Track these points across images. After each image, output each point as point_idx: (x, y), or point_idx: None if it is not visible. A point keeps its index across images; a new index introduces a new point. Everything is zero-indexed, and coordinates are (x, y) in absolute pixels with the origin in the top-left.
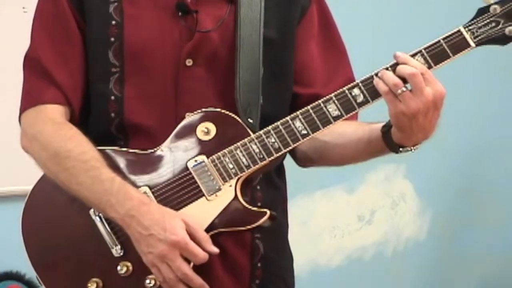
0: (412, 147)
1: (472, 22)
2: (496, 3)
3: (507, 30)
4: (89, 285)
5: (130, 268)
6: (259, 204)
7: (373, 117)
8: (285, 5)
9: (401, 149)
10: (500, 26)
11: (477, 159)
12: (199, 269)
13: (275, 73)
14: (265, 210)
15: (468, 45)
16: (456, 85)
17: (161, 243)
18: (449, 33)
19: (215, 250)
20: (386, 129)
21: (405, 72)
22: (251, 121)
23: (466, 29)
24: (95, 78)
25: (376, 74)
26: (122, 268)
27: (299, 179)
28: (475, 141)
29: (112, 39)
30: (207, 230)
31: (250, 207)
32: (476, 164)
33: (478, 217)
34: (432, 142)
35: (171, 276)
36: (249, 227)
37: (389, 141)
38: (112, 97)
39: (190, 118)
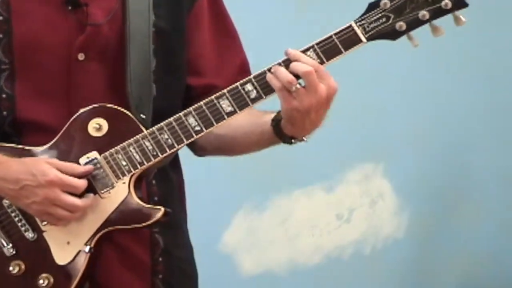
0: (303, 138)
1: (363, 17)
2: None
3: (397, 25)
4: None
5: (23, 267)
6: (156, 198)
7: None
8: None
9: (293, 140)
10: (390, 21)
11: (454, 158)
12: (98, 268)
13: (168, 65)
14: (159, 207)
15: (360, 41)
16: (433, 83)
17: (38, 188)
18: (341, 28)
19: (88, 167)
20: (275, 123)
21: (299, 70)
22: (143, 116)
23: (358, 24)
24: None
25: (269, 70)
26: (14, 268)
27: (278, 178)
28: (452, 139)
29: (1, 35)
30: (102, 227)
31: (144, 204)
32: (453, 162)
33: (456, 215)
34: (410, 142)
35: (64, 213)
36: (144, 224)
37: (280, 134)
38: (4, 95)
39: (80, 113)
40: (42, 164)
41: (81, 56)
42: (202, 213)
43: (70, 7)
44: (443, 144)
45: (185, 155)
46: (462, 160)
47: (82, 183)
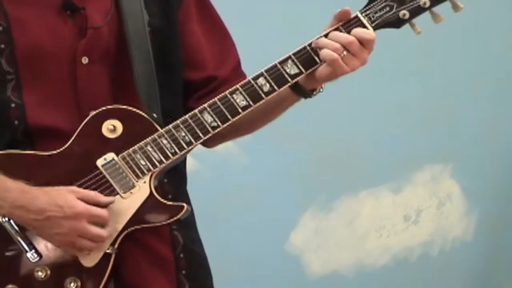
0: (322, 86)
1: (368, 7)
2: None
3: (400, 14)
4: None
5: (48, 272)
6: (170, 196)
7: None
8: None
9: (314, 92)
10: (394, 10)
11: None
12: (122, 267)
13: (165, 63)
14: (181, 204)
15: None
16: (505, 82)
17: (65, 220)
18: (347, 19)
19: (111, 198)
20: (294, 85)
21: (342, 41)
22: (155, 115)
23: (363, 14)
24: None
25: (280, 62)
26: (42, 273)
27: (345, 178)
28: None
29: (2, 45)
30: (126, 227)
31: (166, 202)
32: None
33: None
34: (479, 142)
35: (89, 244)
36: (168, 221)
37: (302, 92)
38: (13, 105)
39: (93, 116)
40: (67, 194)
41: (84, 60)
42: (270, 214)
43: (68, 12)
44: None
45: (252, 157)
46: None
47: (107, 213)
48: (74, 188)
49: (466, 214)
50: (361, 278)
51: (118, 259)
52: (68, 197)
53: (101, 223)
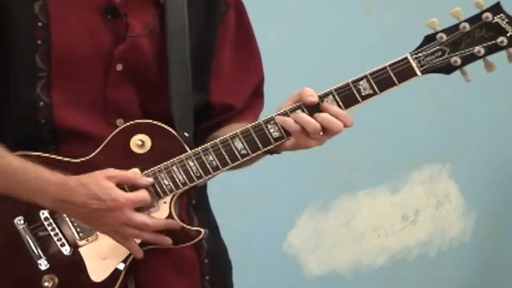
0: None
1: (419, 50)
2: (442, 31)
3: (452, 60)
4: None
5: (56, 280)
6: (193, 202)
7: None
8: (206, 12)
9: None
10: (446, 55)
11: None
12: (150, 275)
13: (200, 83)
14: (199, 229)
15: (415, 74)
16: (503, 81)
17: (108, 212)
18: (396, 60)
19: (150, 179)
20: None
21: (333, 128)
22: (187, 134)
23: (413, 56)
24: (17, 82)
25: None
26: (49, 282)
27: (343, 178)
28: None
29: (39, 42)
30: (141, 245)
31: (185, 225)
32: None
33: None
34: (477, 142)
35: (134, 232)
36: (182, 245)
37: (271, 152)
38: (41, 103)
39: (124, 128)
40: (104, 183)
41: (119, 67)
42: (268, 214)
43: (109, 16)
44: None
45: None
46: None
47: (148, 196)
48: (111, 172)
49: (464, 214)
50: (359, 278)
51: (138, 265)
52: (107, 187)
53: (145, 206)
